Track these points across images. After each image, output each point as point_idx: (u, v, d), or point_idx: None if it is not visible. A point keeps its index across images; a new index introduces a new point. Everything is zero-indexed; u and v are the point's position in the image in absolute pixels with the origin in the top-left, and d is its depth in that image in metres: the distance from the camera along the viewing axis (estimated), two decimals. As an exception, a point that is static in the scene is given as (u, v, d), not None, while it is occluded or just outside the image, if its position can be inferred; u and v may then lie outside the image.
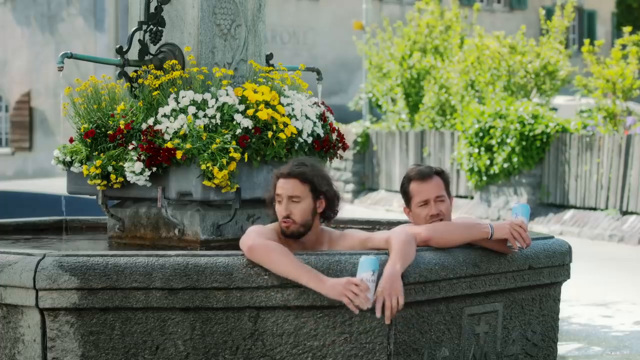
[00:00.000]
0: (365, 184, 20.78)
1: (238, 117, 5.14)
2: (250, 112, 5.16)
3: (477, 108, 17.58)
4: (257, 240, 4.22)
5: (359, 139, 20.67)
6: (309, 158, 4.77)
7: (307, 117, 5.42)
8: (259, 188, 5.28)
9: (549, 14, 22.61)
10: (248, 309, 4.21)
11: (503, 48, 19.61)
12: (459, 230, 4.60)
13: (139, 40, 5.44)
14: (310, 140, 5.41)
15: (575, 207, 16.21)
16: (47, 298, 4.20)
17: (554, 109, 20.00)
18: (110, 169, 5.26)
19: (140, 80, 5.40)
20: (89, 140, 5.36)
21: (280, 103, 5.30)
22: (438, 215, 4.71)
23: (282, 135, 5.20)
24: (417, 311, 4.39)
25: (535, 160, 16.75)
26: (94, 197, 5.50)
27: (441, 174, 4.84)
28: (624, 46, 17.57)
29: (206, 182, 5.03)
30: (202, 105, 5.17)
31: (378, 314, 4.13)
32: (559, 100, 22.08)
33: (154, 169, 5.12)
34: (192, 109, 5.14)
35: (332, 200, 4.53)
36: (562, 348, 7.24)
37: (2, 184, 24.05)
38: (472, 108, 17.76)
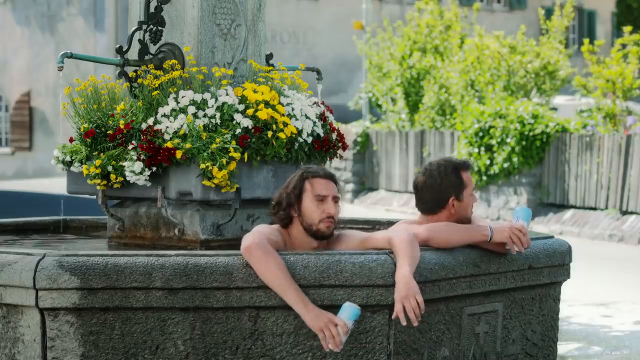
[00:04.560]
0: (365, 184, 20.77)
1: (238, 117, 5.14)
2: (250, 111, 5.16)
3: (477, 108, 17.59)
4: (258, 240, 4.20)
5: (359, 139, 20.67)
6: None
7: (307, 117, 5.42)
8: (258, 188, 5.28)
9: (549, 13, 22.61)
10: (248, 308, 4.21)
11: (503, 48, 19.61)
12: (459, 232, 4.60)
13: (139, 40, 5.44)
14: (310, 140, 5.41)
15: (575, 207, 16.21)
16: (47, 298, 4.20)
17: (554, 109, 20.00)
18: (110, 168, 5.26)
19: (140, 80, 5.40)
20: (88, 140, 5.37)
21: (280, 103, 5.30)
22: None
23: (281, 135, 5.20)
24: (417, 311, 4.39)
25: (535, 160, 16.75)
26: (94, 196, 5.50)
27: None
28: (623, 46, 17.57)
29: (206, 182, 5.03)
30: (201, 105, 5.17)
31: (403, 322, 4.12)
32: (559, 100, 22.07)
33: (154, 168, 5.13)
34: (191, 109, 5.13)
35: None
36: (562, 348, 7.24)
37: (2, 184, 24.05)
38: (472, 108, 17.76)
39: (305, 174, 4.48)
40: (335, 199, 4.47)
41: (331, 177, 4.50)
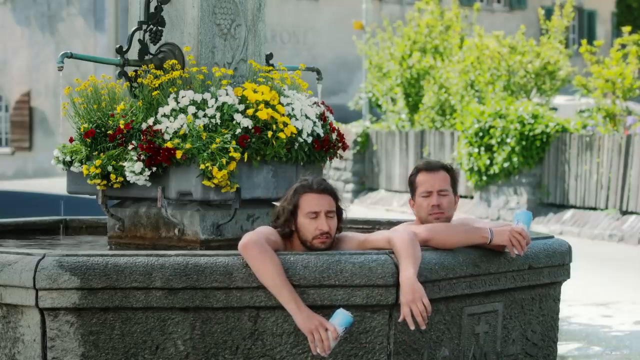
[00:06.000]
0: (365, 184, 20.77)
1: (238, 117, 5.13)
2: (250, 111, 5.16)
3: (477, 108, 17.58)
4: (255, 238, 4.20)
5: (359, 139, 20.66)
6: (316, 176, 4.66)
7: (307, 117, 5.42)
8: (258, 188, 5.28)
9: (549, 13, 22.61)
10: (248, 308, 4.21)
11: (503, 48, 19.60)
12: (459, 233, 4.59)
13: (139, 40, 5.44)
14: (310, 140, 5.41)
15: (575, 207, 16.21)
16: (47, 298, 4.20)
17: (554, 109, 20.00)
18: (110, 168, 5.26)
19: (140, 80, 5.40)
20: (88, 140, 5.37)
21: (280, 103, 5.30)
22: (439, 207, 4.71)
23: (282, 135, 5.20)
24: (417, 311, 4.38)
25: (535, 160, 16.74)
26: (94, 196, 5.51)
27: (449, 170, 4.85)
28: (623, 46, 17.57)
29: (206, 182, 5.03)
30: (201, 105, 5.17)
31: (411, 326, 4.11)
32: (559, 100, 22.07)
33: (154, 168, 5.13)
34: (191, 109, 5.13)
35: (341, 214, 4.54)
36: (562, 348, 7.23)
37: (2, 184, 24.05)
38: (472, 108, 17.76)
39: (299, 188, 4.44)
40: (330, 214, 4.43)
41: (325, 191, 4.43)
